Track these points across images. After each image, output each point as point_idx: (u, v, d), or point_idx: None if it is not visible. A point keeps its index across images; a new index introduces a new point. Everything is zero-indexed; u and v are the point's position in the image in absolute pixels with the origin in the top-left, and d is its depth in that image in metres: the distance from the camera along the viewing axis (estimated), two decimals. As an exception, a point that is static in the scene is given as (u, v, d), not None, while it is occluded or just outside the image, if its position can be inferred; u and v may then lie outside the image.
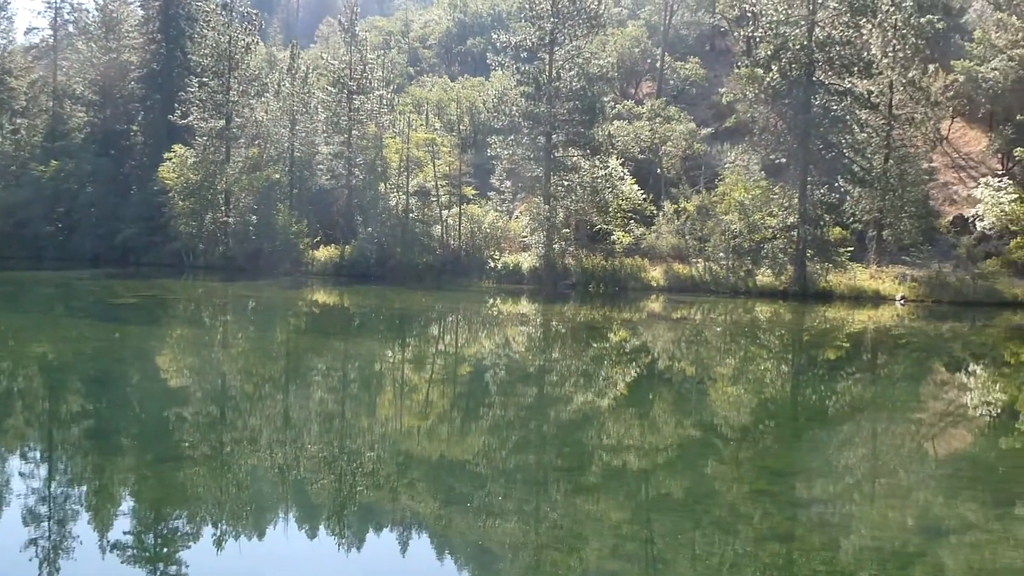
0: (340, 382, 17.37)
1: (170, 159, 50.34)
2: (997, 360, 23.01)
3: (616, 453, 12.06)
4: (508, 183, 48.72)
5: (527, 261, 44.70)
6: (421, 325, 29.07)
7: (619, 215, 45.28)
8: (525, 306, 35.76)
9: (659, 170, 50.72)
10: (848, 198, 42.75)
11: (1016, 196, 40.51)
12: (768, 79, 41.82)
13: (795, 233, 41.32)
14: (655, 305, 36.27)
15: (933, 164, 46.73)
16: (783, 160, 43.42)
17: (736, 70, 55.90)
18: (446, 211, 47.96)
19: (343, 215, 50.50)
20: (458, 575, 8.47)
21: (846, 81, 41.27)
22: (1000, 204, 40.27)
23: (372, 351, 22.06)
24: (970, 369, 21.38)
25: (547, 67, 44.69)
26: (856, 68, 40.63)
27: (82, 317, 27.98)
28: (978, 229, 41.36)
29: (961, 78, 46.86)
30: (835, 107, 41.11)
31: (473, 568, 8.41)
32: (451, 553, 8.71)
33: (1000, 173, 44.40)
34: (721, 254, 42.45)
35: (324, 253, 48.03)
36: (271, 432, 12.97)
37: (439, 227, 47.33)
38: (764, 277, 41.23)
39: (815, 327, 31.00)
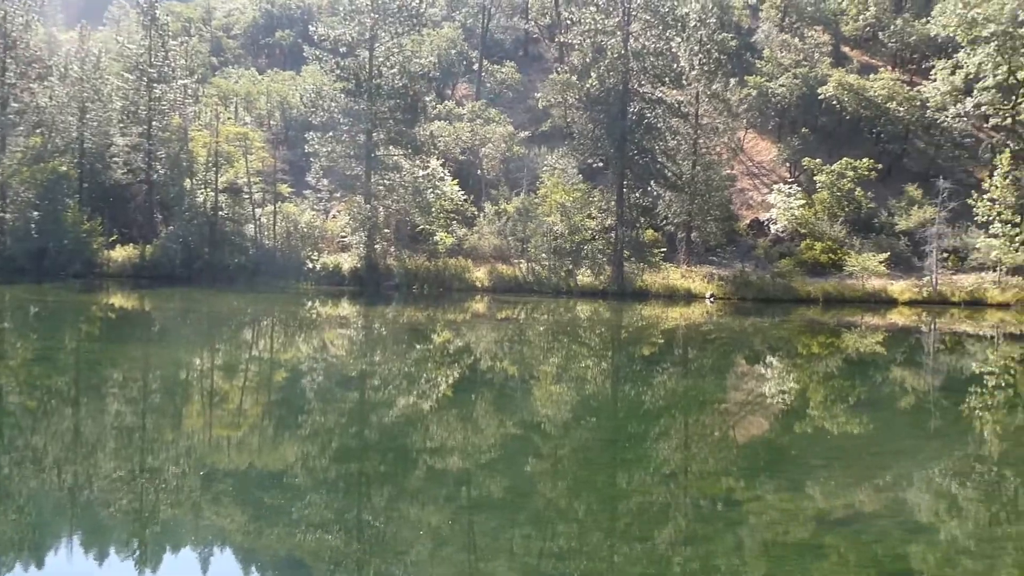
0: (140, 393, 15.98)
1: (-63, 147, 44.81)
2: (791, 352, 25.16)
3: (439, 456, 11.88)
4: (325, 181, 47.39)
5: (348, 262, 43.74)
6: (232, 329, 27.55)
7: (442, 216, 45.41)
8: (346, 308, 34.92)
9: (479, 171, 51.36)
10: (660, 202, 45.45)
11: (804, 202, 45.04)
12: (588, 85, 43.60)
13: (613, 235, 43.33)
14: (479, 306, 36.57)
15: (732, 171, 50.63)
16: (600, 164, 45.43)
17: (552, 76, 58.04)
18: (259, 209, 45.95)
19: (142, 212, 47.13)
20: None
21: (658, 91, 43.83)
22: (790, 209, 44.66)
23: (177, 358, 20.55)
24: (768, 361, 23.12)
25: (367, 63, 43.98)
26: (668, 78, 43.23)
27: None
28: (772, 232, 45.76)
29: (754, 92, 51.49)
30: (649, 115, 43.57)
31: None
32: (260, 570, 8.17)
33: (789, 181, 49.06)
34: (543, 255, 43.65)
35: (121, 253, 44.36)
36: (59, 451, 11.64)
37: (252, 226, 45.26)
38: (584, 277, 42.77)
39: (633, 325, 32.45)
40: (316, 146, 44.32)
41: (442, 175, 45.72)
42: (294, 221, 45.28)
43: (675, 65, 43.82)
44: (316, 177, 46.79)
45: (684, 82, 44.62)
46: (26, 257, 43.52)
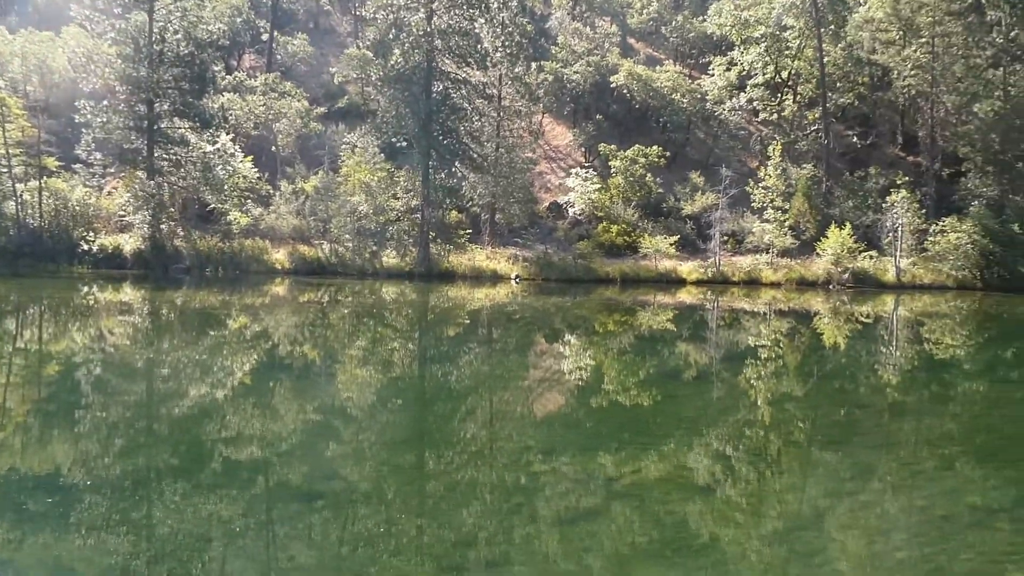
0: None
1: None
2: (590, 330, 26.74)
3: (236, 446, 11.63)
4: (99, 155, 43.98)
5: (130, 243, 41.02)
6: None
7: (235, 194, 43.64)
8: (130, 293, 32.79)
9: (273, 148, 49.81)
10: (465, 183, 46.30)
11: (599, 186, 47.82)
12: (392, 62, 43.39)
13: (419, 216, 43.63)
14: (280, 289, 35.63)
15: (533, 155, 52.61)
16: (404, 144, 45.45)
17: (348, 51, 57.34)
18: (21, 185, 41.90)
19: None
20: None
21: (463, 71, 44.49)
22: (587, 193, 47.28)
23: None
24: (568, 339, 24.41)
25: (147, 27, 41.21)
26: (473, 59, 43.96)
27: None
28: (571, 214, 48.31)
29: (550, 78, 53.84)
30: (454, 95, 44.13)
31: None
32: None
33: (585, 165, 51.76)
34: (347, 236, 43.18)
35: None
36: None
37: (13, 203, 41.22)
38: (390, 259, 42.82)
39: (439, 306, 32.95)
40: (89, 116, 41.07)
41: (233, 151, 43.85)
42: (63, 198, 41.79)
43: (479, 46, 44.64)
44: (87, 150, 43.31)
45: (489, 63, 45.61)
46: None
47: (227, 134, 44.68)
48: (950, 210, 46.80)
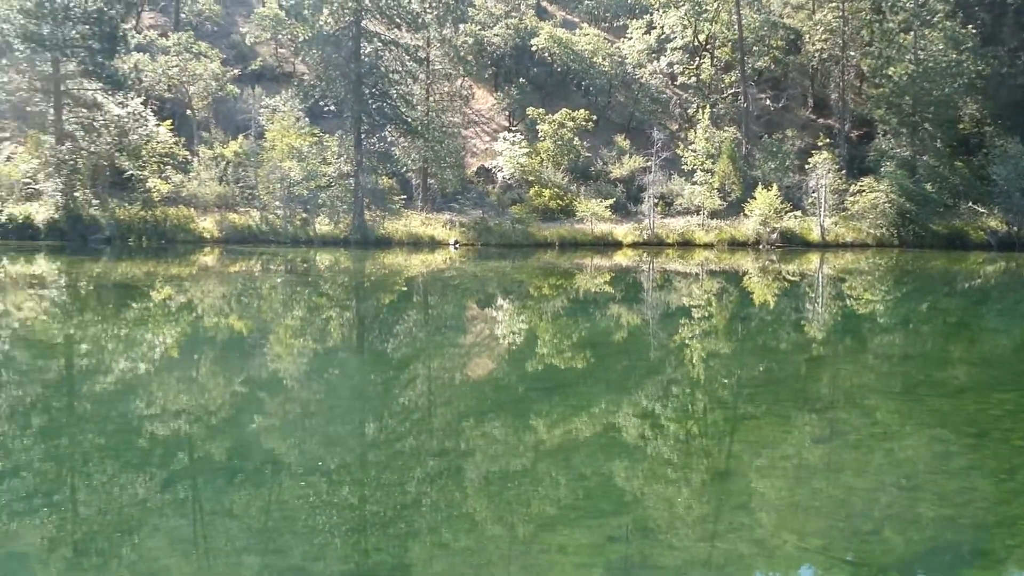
0: None
1: None
2: (526, 295, 27.19)
3: (162, 422, 11.69)
4: (-2, 118, 42.47)
5: (41, 212, 39.77)
6: None
7: (153, 160, 42.63)
8: (43, 265, 31.94)
9: (188, 112, 48.65)
10: (395, 148, 46.10)
11: (528, 150, 48.23)
12: (321, 22, 42.72)
13: (351, 181, 43.32)
14: (208, 259, 35.12)
15: (459, 119, 52.64)
16: (332, 107, 44.91)
17: (259, 10, 56.13)
18: (-85, 151, 40.11)
19: None
20: None
21: (392, 32, 44.08)
22: (516, 157, 47.65)
23: None
24: (504, 304, 24.82)
25: (51, -21, 39.63)
26: (403, 20, 43.55)
27: None
28: (500, 179, 48.64)
29: (470, 40, 53.81)
30: (385, 57, 43.76)
31: None
32: None
33: (513, 129, 52.06)
34: (277, 203, 42.68)
35: None
36: None
37: (-94, 171, 39.50)
38: (323, 226, 42.55)
39: (375, 273, 32.98)
40: (-11, 76, 39.49)
41: (145, 114, 42.71)
42: (-35, 165, 40.23)
43: (409, 5, 44.26)
44: (-17, 112, 41.73)
45: (420, 24, 45.23)
46: None
47: (138, 97, 43.43)
48: (861, 171, 48.90)
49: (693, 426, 11.91)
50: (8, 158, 43.57)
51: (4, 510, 8.35)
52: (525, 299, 26.36)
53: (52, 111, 40.62)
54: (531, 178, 48.10)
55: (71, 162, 40.04)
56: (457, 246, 42.32)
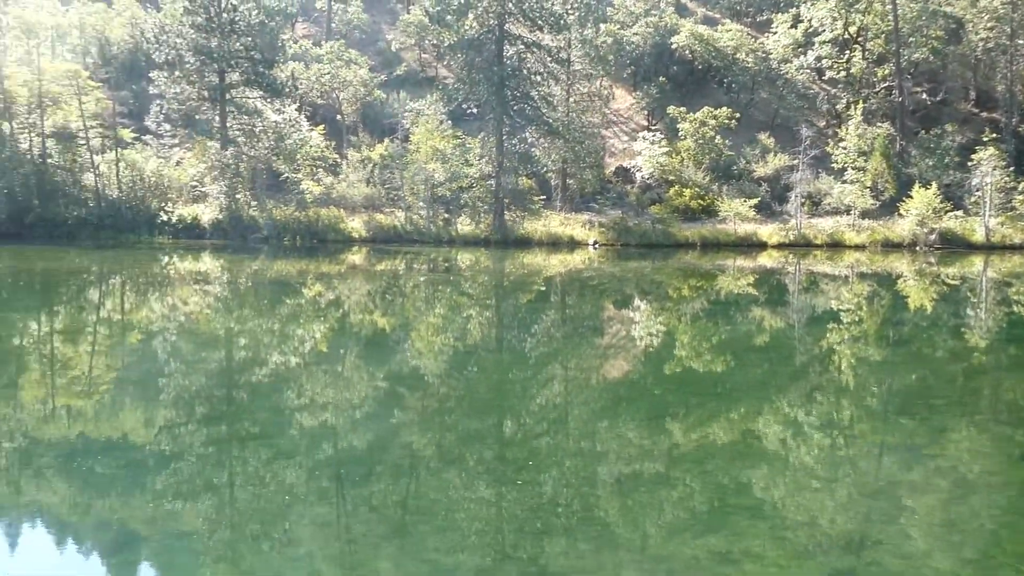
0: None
1: None
2: (667, 296, 26.82)
3: (311, 413, 12.27)
4: (167, 126, 45.73)
5: (207, 213, 42.51)
6: (75, 290, 26.56)
7: (307, 163, 44.78)
8: (207, 263, 34.15)
9: (338, 116, 50.72)
10: (535, 149, 46.50)
11: (667, 149, 47.41)
12: (467, 26, 43.62)
13: (492, 182, 44.09)
14: (356, 257, 36.57)
15: (599, 119, 52.36)
16: (475, 110, 45.84)
17: (404, 17, 57.94)
18: (99, 157, 43.74)
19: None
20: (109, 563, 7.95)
21: (534, 34, 44.49)
22: (655, 157, 46.93)
23: (8, 322, 19.81)
24: (644, 305, 24.56)
25: (217, -4, 42.39)
26: (546, 22, 43.83)
27: None
28: (639, 179, 48.11)
29: (609, 40, 53.27)
30: (530, 59, 44.25)
31: (165, 559, 8.11)
32: (122, 543, 8.29)
33: (652, 128, 51.35)
34: (421, 203, 43.95)
35: (-71, 207, 41.16)
36: None
37: (91, 175, 43.07)
38: (465, 226, 43.47)
39: (515, 272, 33.39)
40: (163, 87, 42.52)
41: (299, 119, 44.92)
42: (139, 170, 43.49)
43: (552, 6, 44.49)
44: (156, 121, 44.94)
45: (563, 25, 45.35)
46: None
47: (293, 103, 45.70)
48: (1031, 167, 45.27)
49: (839, 436, 11.41)
50: (177, 163, 46.87)
51: (170, 491, 9.01)
52: (664, 300, 25.99)
53: (217, 118, 43.41)
54: (671, 177, 47.39)
55: (234, 166, 42.63)
56: (596, 246, 42.25)
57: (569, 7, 46.46)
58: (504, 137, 43.74)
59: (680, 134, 48.97)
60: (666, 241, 42.93)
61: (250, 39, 42.86)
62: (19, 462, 9.96)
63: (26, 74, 43.13)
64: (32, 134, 42.63)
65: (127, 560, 7.77)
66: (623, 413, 12.38)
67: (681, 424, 11.62)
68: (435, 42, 54.49)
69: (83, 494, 9.07)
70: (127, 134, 45.68)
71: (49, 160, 42.35)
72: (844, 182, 45.48)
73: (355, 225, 43.34)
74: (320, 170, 45.61)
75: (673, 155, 47.83)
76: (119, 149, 43.63)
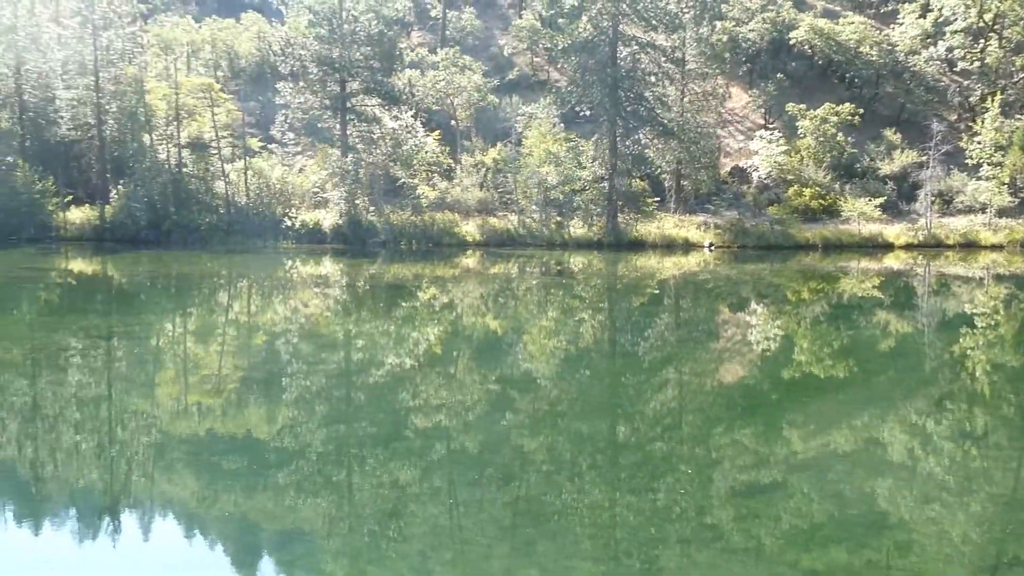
0: (104, 362, 16.44)
1: None
2: (788, 299, 26.02)
3: (427, 415, 12.51)
4: (291, 135, 47.61)
5: (328, 219, 43.98)
6: (206, 293, 28.00)
7: (423, 168, 45.68)
8: (329, 266, 35.33)
9: (452, 122, 51.50)
10: (648, 150, 45.95)
11: (786, 148, 45.85)
12: (581, 29, 43.55)
13: (605, 184, 43.92)
14: (470, 261, 37.08)
15: (714, 118, 51.13)
16: (588, 112, 45.70)
17: (516, 22, 58.28)
18: (229, 166, 45.93)
19: (94, 171, 46.61)
20: (253, 559, 8.27)
21: (648, 34, 43.99)
22: (773, 156, 45.47)
23: (145, 323, 21.04)
24: (761, 308, 23.90)
25: (339, 7, 43.79)
26: (661, 22, 43.26)
27: None
28: (755, 179, 46.76)
29: (724, 38, 51.82)
30: (644, 60, 43.81)
31: (285, 553, 8.46)
32: (249, 535, 8.64)
33: (769, 126, 49.78)
34: (534, 206, 44.19)
35: (79, 215, 43.90)
36: (19, 424, 11.95)
37: (222, 183, 45.25)
38: (578, 229, 43.44)
39: (628, 275, 33.14)
40: (288, 97, 44.22)
41: (415, 125, 45.87)
42: (265, 177, 45.37)
43: (667, 6, 43.88)
44: (281, 130, 46.75)
45: (679, 24, 44.60)
46: (-32, 222, 42.29)
47: (410, 110, 46.74)
48: None
49: (971, 446, 10.79)
50: (300, 170, 48.73)
51: (292, 487, 9.39)
52: (782, 303, 25.21)
53: (338, 126, 44.91)
54: (790, 177, 45.89)
55: (353, 172, 43.99)
56: (712, 248, 41.40)
57: (684, 6, 45.72)
58: (617, 139, 43.45)
59: (799, 132, 47.39)
60: (785, 243, 41.63)
61: (369, 48, 44.10)
62: (153, 455, 10.60)
63: (165, 88, 45.79)
64: (169, 145, 45.18)
65: (247, 551, 8.16)
66: (739, 419, 12.10)
67: (800, 431, 11.26)
68: (547, 46, 54.70)
69: (209, 487, 9.56)
70: (255, 143, 47.81)
71: (184, 169, 44.75)
72: (979, 178, 42.96)
73: (469, 229, 43.96)
74: (435, 175, 46.47)
75: (792, 154, 46.30)
76: (247, 158, 45.70)
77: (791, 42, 52.34)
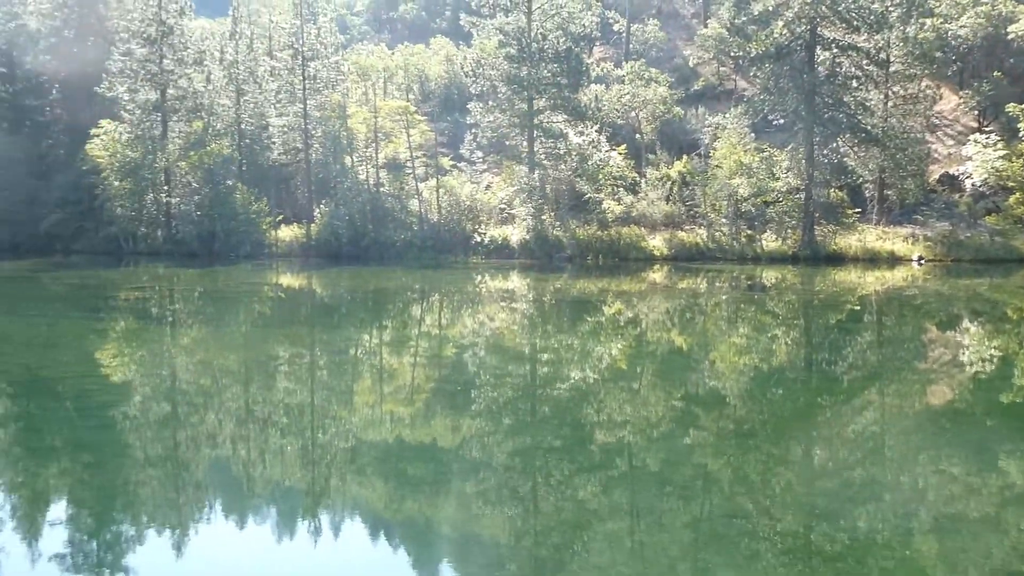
0: (307, 370, 17.68)
1: (98, 136, 48.72)
2: (999, 316, 23.96)
3: (610, 430, 12.57)
4: (479, 153, 49.26)
5: (516, 234, 45.11)
6: (400, 306, 29.45)
7: (608, 183, 45.87)
8: (516, 281, 36.18)
9: (637, 135, 51.28)
10: (850, 158, 43.70)
11: (1006, 152, 41.96)
12: (776, 35, 42.21)
13: (801, 196, 42.21)
14: (657, 275, 36.81)
15: (922, 122, 47.73)
16: (781, 121, 44.13)
17: (701, 31, 57.09)
18: (422, 184, 48.20)
19: (302, 192, 50.42)
20: (448, 568, 8.56)
21: (848, 36, 41.88)
22: (990, 161, 41.73)
23: (345, 335, 22.44)
24: (972, 328, 22.07)
25: (527, 27, 44.90)
26: (864, 22, 41.03)
27: (104, 317, 28.11)
28: (968, 187, 43.11)
29: (931, 36, 48.05)
30: (845, 63, 41.76)
31: (468, 561, 8.67)
32: (434, 541, 8.99)
33: (987, 129, 45.74)
34: (724, 219, 43.23)
35: (288, 233, 47.88)
36: (229, 428, 12.98)
37: (416, 201, 47.54)
38: (770, 242, 42.04)
39: (825, 291, 31.65)
40: (478, 116, 45.80)
41: (600, 140, 46.15)
42: (456, 195, 47.19)
43: (871, 4, 41.62)
44: (469, 149, 48.48)
45: (883, 24, 42.19)
46: (197, 240, 47.43)
47: (594, 125, 47.10)
48: None
49: None
50: (487, 187, 50.36)
51: (479, 498, 9.74)
52: (1001, 322, 23.16)
53: (525, 143, 46.05)
54: (1011, 184, 42.10)
55: (540, 188, 44.93)
56: (921, 262, 38.70)
57: (889, 4, 43.20)
58: (815, 147, 41.66)
59: (1021, 134, 43.43)
60: (1007, 255, 38.25)
61: (557, 65, 44.93)
62: (346, 460, 11.33)
63: (365, 112, 48.91)
64: (368, 166, 48.19)
65: (429, 558, 8.54)
66: (947, 445, 11.27)
67: (1018, 461, 10.32)
68: (736, 54, 53.39)
69: (395, 493, 10.10)
70: (446, 162, 49.92)
71: (381, 188, 47.47)
72: None
73: (656, 243, 43.60)
74: (620, 189, 46.51)
75: (1013, 158, 42.47)
76: (439, 176, 47.78)
77: (1009, 36, 48.04)
